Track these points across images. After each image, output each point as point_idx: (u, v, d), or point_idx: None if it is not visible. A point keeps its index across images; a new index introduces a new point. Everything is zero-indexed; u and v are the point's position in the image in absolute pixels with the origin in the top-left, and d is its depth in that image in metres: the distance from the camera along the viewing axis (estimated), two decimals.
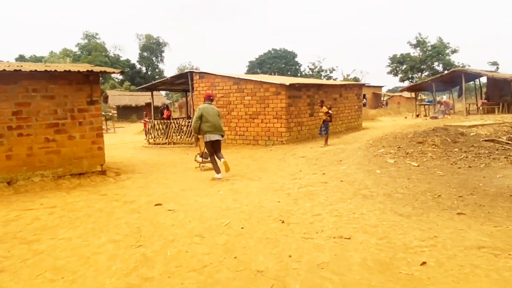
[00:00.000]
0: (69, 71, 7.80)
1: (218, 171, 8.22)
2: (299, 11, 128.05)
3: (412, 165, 7.96)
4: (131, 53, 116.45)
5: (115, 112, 37.05)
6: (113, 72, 8.56)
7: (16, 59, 57.06)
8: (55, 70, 7.64)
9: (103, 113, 33.17)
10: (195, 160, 9.99)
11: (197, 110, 8.27)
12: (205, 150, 8.81)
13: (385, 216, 5.05)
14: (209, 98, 8.55)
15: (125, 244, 4.42)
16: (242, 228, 4.83)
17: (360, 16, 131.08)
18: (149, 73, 68.64)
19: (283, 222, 4.98)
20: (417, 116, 26.32)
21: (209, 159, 8.67)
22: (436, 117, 21.94)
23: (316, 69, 67.98)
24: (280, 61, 71.97)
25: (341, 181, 7.10)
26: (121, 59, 68.41)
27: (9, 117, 7.49)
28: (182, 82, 17.08)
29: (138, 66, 70.21)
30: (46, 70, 7.56)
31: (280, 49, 74.53)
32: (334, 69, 67.80)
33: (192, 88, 15.29)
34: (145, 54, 70.17)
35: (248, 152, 12.23)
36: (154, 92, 37.27)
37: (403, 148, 9.28)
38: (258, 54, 75.49)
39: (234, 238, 4.50)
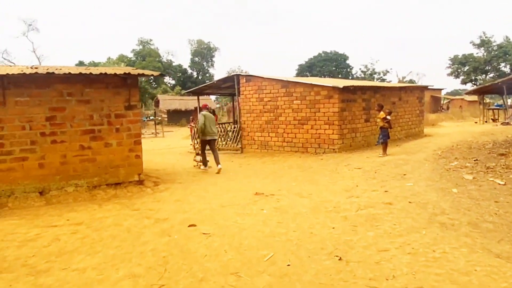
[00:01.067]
0: (105, 74, 7.28)
1: (205, 164, 10.63)
2: (351, 12, 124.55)
3: (496, 183, 6.55)
4: (183, 58, 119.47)
5: (165, 116, 37.52)
6: (152, 75, 7.95)
7: (76, 65, 59.90)
8: (90, 73, 7.15)
9: (152, 117, 33.63)
10: (194, 159, 11.36)
11: (202, 116, 10.42)
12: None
13: (477, 257, 3.85)
14: (205, 107, 11.02)
15: (145, 281, 3.62)
16: (288, 265, 3.86)
17: (416, 15, 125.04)
18: (200, 77, 69.58)
19: (340, 259, 3.95)
20: (494, 120, 23.74)
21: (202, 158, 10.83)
22: (508, 123, 19.61)
23: (369, 72, 65.35)
24: (330, 63, 70.07)
25: (410, 202, 5.90)
26: (174, 64, 70.01)
27: (42, 122, 7.08)
28: (229, 85, 16.41)
29: (189, 71, 71.51)
30: (81, 73, 7.08)
31: (331, 51, 72.65)
32: (388, 71, 64.83)
33: (239, 92, 14.56)
34: (197, 59, 71.32)
35: (296, 161, 11.22)
36: (204, 97, 37.42)
37: (482, 161, 7.84)
38: (308, 57, 73.88)
39: (278, 280, 3.55)
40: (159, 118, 26.62)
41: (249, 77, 14.15)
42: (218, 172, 9.90)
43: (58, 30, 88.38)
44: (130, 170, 7.95)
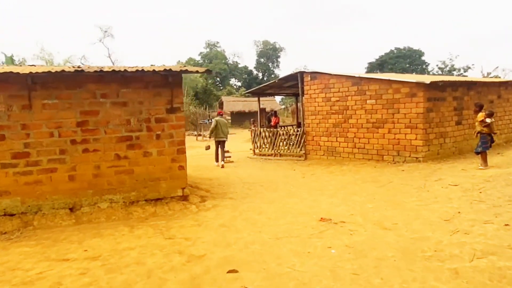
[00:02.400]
0: (143, 70, 6.18)
1: (216, 160, 12.57)
2: (426, 4, 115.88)
3: None
4: (249, 60, 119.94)
5: (229, 118, 36.99)
6: (197, 72, 6.72)
7: None
8: (125, 70, 6.09)
9: (212, 120, 33.06)
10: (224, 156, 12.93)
11: (214, 121, 12.74)
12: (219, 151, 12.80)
13: None
14: (220, 114, 13.31)
15: None
16: None
17: (501, 4, 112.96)
18: (265, 78, 68.87)
19: None
20: None
21: (227, 157, 13.13)
22: None
23: (447, 68, 59.79)
24: (404, 60, 65.52)
25: None
26: (239, 65, 70.16)
27: (72, 128, 6.15)
28: (292, 84, 14.91)
29: (255, 72, 71.16)
30: (114, 70, 6.05)
31: (404, 47, 68.07)
32: (469, 67, 58.76)
33: (302, 91, 12.99)
34: (262, 60, 70.78)
35: (370, 172, 9.39)
36: (268, 98, 36.27)
37: None
38: (378, 54, 69.85)
39: None
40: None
41: (314, 74, 12.52)
42: (222, 167, 12.10)
43: (131, 36, 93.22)
44: (172, 184, 6.79)
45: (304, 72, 12.83)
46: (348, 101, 11.50)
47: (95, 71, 5.88)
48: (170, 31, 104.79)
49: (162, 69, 6.35)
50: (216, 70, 62.80)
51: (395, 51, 68.06)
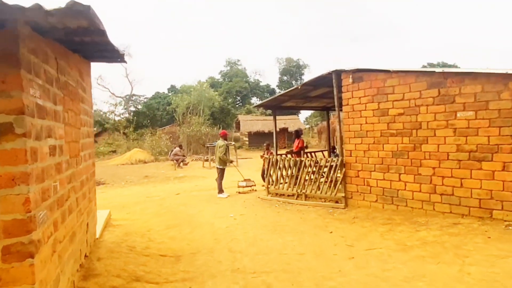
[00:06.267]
0: None
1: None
2: (458, 18, 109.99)
3: None
4: (271, 78, 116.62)
5: (246, 139, 32.64)
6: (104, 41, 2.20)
7: (168, 89, 58.47)
8: None
9: (233, 142, 28.59)
10: (238, 185, 11.84)
11: (223, 146, 11.06)
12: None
13: None
14: (223, 136, 11.53)
15: None
16: None
17: None
18: None
19: None
20: None
21: (248, 185, 11.76)
22: None
23: None
24: None
25: None
26: (261, 84, 66.81)
27: None
28: (322, 94, 10.38)
29: (277, 90, 67.34)
30: None
31: (438, 63, 63.15)
32: None
33: (340, 101, 8.39)
34: (285, 78, 67.29)
35: (494, 257, 4.60)
36: (290, 116, 31.70)
37: None
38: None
39: None
40: (233, 143, 21.56)
41: (360, 74, 7.92)
42: None
43: (150, 55, 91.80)
44: None
45: (343, 71, 8.24)
46: (421, 114, 6.84)
47: None
48: (191, 50, 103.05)
49: None
50: (236, 88, 59.00)
51: (427, 66, 63.46)
